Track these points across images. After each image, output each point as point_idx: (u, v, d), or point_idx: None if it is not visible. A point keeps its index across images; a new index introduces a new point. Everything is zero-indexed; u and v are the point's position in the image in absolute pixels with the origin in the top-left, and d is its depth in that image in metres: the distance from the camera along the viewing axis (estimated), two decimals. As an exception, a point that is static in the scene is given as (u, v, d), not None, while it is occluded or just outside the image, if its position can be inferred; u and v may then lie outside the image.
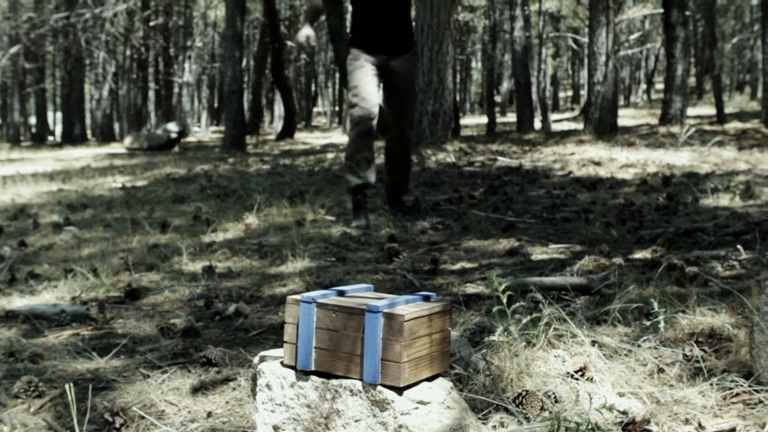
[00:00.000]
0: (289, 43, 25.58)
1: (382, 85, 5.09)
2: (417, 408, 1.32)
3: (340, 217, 5.47)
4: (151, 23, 30.35)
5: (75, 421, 1.71)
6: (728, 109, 20.98)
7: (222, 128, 26.20)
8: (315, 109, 40.43)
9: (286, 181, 8.30)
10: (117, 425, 1.74)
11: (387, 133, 5.28)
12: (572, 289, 2.80)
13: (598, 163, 9.49)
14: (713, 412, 1.65)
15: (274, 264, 3.96)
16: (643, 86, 37.32)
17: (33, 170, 12.64)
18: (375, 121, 4.91)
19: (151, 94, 35.11)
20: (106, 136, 28.67)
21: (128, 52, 30.91)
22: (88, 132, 33.78)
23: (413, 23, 6.31)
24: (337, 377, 1.38)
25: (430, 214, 5.60)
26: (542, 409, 1.68)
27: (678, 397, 1.73)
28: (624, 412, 1.64)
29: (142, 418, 1.77)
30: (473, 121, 29.53)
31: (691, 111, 20.67)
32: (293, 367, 1.42)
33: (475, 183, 7.95)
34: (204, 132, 33.69)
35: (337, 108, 35.78)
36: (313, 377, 1.40)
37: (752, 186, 6.04)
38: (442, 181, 8.13)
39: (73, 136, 29.03)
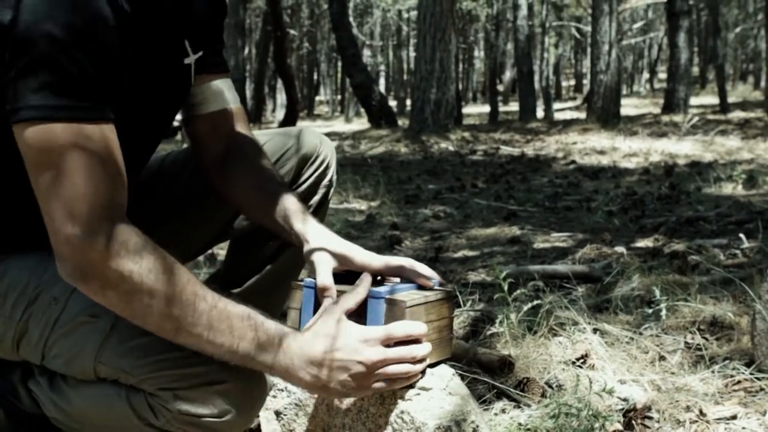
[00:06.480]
0: (291, 31, 25.53)
1: None
2: (419, 394, 1.32)
3: (342, 203, 5.47)
4: (153, 11, 30.24)
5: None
6: (731, 99, 20.92)
7: (224, 117, 26.09)
8: (317, 98, 40.32)
9: (288, 170, 8.29)
10: (120, 411, 1.74)
11: None
12: (574, 278, 2.80)
13: (600, 152, 9.48)
14: (714, 400, 1.66)
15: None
16: (646, 75, 37.22)
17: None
18: None
19: (153, 82, 34.98)
20: (108, 124, 28.65)
21: (130, 40, 30.82)
22: (91, 120, 33.72)
23: None
24: (340, 363, 1.37)
25: (432, 202, 5.59)
26: (543, 395, 1.68)
27: (679, 385, 1.73)
28: (625, 399, 1.64)
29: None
30: (476, 110, 29.47)
31: (694, 100, 20.62)
32: (295, 353, 1.42)
33: (478, 171, 7.95)
34: (206, 120, 33.59)
35: (339, 97, 35.72)
36: (316, 363, 1.39)
37: (755, 175, 6.03)
38: (445, 170, 8.13)
39: (75, 124, 29.02)
